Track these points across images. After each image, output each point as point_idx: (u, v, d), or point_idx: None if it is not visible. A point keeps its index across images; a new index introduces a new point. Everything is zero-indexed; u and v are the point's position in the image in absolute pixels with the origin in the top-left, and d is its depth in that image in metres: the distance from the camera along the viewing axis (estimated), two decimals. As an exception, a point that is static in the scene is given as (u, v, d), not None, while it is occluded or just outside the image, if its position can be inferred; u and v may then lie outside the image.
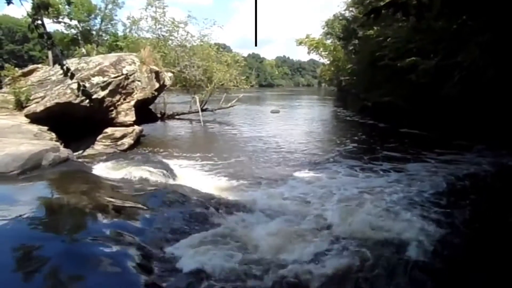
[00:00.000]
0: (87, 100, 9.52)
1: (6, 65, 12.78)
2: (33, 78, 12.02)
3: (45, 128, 9.10)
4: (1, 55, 59.42)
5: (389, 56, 18.02)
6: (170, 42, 20.48)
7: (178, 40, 20.55)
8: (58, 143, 8.65)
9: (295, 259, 4.25)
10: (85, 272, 3.55)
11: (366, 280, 3.88)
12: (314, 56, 55.78)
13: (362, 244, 4.66)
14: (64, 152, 8.18)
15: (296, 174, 9.01)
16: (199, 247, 4.29)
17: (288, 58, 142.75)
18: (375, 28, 20.64)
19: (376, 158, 10.51)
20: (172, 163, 9.43)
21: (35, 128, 8.95)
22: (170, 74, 15.51)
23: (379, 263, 4.19)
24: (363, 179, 8.44)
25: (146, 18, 20.33)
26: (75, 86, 9.61)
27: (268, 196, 7.08)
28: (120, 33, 30.86)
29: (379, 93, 20.43)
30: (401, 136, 14.26)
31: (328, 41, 45.30)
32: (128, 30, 25.02)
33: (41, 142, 8.24)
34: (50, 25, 30.63)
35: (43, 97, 10.12)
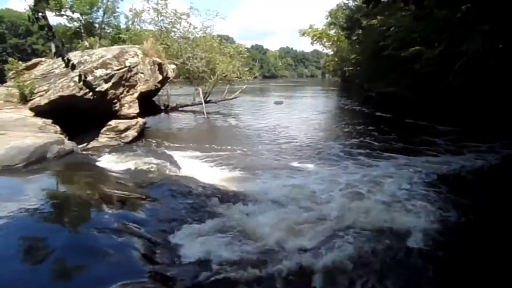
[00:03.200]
0: (91, 93, 9.62)
1: (10, 59, 12.80)
2: (37, 71, 12.05)
3: (50, 121, 9.15)
4: (4, 49, 59.46)
5: (392, 45, 17.88)
6: (172, 34, 20.43)
7: (180, 32, 20.50)
8: (62, 136, 8.71)
9: (298, 249, 4.28)
10: (90, 262, 3.60)
11: (369, 270, 3.90)
12: (318, 47, 55.70)
13: (365, 235, 4.67)
14: (69, 144, 8.24)
15: (300, 164, 9.04)
16: (202, 237, 4.33)
17: (292, 49, 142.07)
18: (378, 17, 20.48)
19: (380, 148, 10.47)
20: (176, 154, 9.47)
21: (39, 121, 9.00)
22: (173, 66, 15.50)
23: (383, 253, 4.21)
24: (367, 169, 8.42)
25: (148, 10, 20.24)
26: (77, 79, 9.64)
27: (272, 186, 7.08)
28: (122, 26, 30.77)
29: (383, 83, 20.34)
30: (406, 127, 14.23)
31: (332, 32, 45.06)
32: (130, 22, 24.88)
33: (46, 135, 8.29)
34: (53, 18, 30.58)
35: (47, 90, 10.16)
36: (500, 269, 4.03)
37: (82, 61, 11.03)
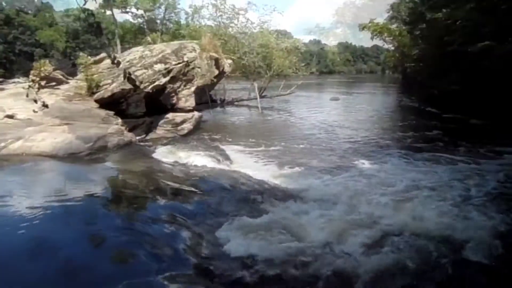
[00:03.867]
0: (150, 87, 10.05)
1: (81, 53, 13.69)
2: (103, 65, 12.78)
3: (112, 112, 9.68)
4: (77, 44, 63.82)
5: (458, 40, 16.70)
6: (230, 29, 20.70)
7: (238, 27, 20.72)
8: (123, 128, 9.17)
9: (344, 251, 4.16)
10: (141, 251, 3.75)
11: (416, 281, 3.69)
12: (378, 42, 53.40)
13: (415, 241, 4.43)
14: (128, 136, 8.68)
15: (353, 163, 8.76)
16: (248, 233, 4.35)
17: (351, 44, 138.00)
18: (444, 10, 19.22)
19: (440, 150, 9.82)
20: (229, 148, 9.61)
21: (103, 112, 9.55)
22: (229, 61, 15.71)
23: (432, 261, 3.97)
24: (423, 172, 7.93)
25: (207, 6, 20.70)
26: (138, 73, 10.07)
27: (322, 185, 6.94)
28: (182, 22, 31.79)
29: (447, 80, 19.13)
30: (470, 128, 13.23)
31: (393, 26, 43.09)
32: (190, 18, 25.66)
33: (108, 126, 8.79)
34: (119, 15, 32.30)
35: (110, 84, 10.74)
36: None
37: (143, 55, 11.51)
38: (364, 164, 8.74)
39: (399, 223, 4.96)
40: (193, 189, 5.93)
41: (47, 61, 13.06)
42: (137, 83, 9.56)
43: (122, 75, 10.59)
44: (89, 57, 13.49)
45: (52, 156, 6.97)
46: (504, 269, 4.05)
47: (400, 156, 9.43)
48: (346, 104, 23.74)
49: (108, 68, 12.19)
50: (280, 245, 4.16)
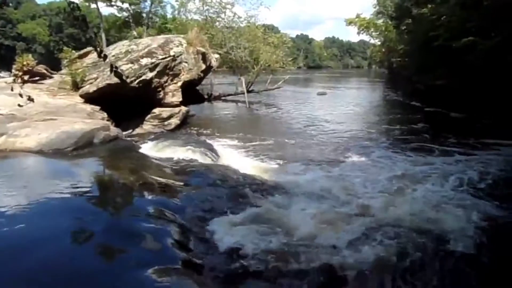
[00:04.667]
0: (136, 81, 9.94)
1: (65, 48, 13.44)
2: (88, 60, 12.59)
3: (97, 107, 9.57)
4: (61, 38, 62.64)
5: (444, 36, 16.92)
6: (217, 23, 20.62)
7: (225, 21, 20.66)
8: (108, 122, 9.08)
9: (333, 244, 4.19)
10: (128, 246, 3.72)
11: (404, 272, 3.74)
12: (365, 37, 53.85)
13: (404, 233, 4.48)
14: (114, 131, 8.59)
15: (341, 157, 8.85)
16: (237, 227, 4.36)
17: (337, 39, 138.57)
18: (429, 6, 19.45)
19: (426, 145, 9.98)
20: (216, 143, 9.60)
21: (88, 107, 9.43)
22: (216, 56, 15.64)
23: (420, 253, 4.02)
24: (411, 165, 8.06)
25: (194, 0, 20.53)
26: (124, 68, 9.95)
27: (311, 179, 6.99)
28: (169, 15, 31.50)
29: (432, 75, 19.40)
30: (455, 122, 13.46)
31: (380, 21, 43.47)
32: (176, 12, 25.40)
33: (93, 121, 8.68)
34: (104, 9, 31.80)
35: (96, 78, 10.60)
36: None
37: (129, 50, 11.39)
38: (353, 157, 8.84)
39: (387, 216, 5.03)
40: (180, 183, 5.91)
41: (30, 55, 12.82)
42: (124, 77, 9.45)
43: (107, 70, 10.45)
44: (73, 51, 13.29)
45: (37, 152, 6.86)
46: (487, 259, 4.15)
47: (387, 149, 9.61)
48: (333, 99, 23.89)
49: (93, 62, 12.04)
50: (269, 238, 4.17)
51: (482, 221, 5.00)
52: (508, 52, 12.66)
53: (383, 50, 47.93)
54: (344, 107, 19.38)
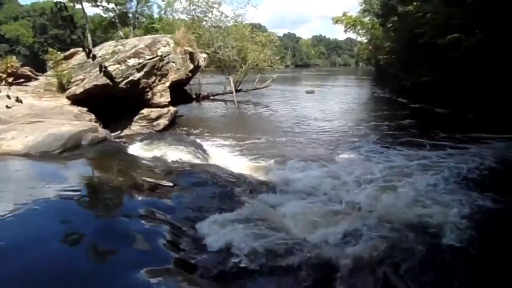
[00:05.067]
0: (124, 82, 9.86)
1: (50, 49, 13.26)
2: (74, 61, 12.47)
3: (85, 109, 9.48)
4: (46, 39, 61.73)
5: (429, 33, 17.16)
6: (204, 23, 20.56)
7: (212, 21, 20.61)
8: (96, 124, 9.00)
9: (323, 240, 4.24)
10: (119, 247, 3.70)
11: (395, 266, 3.80)
12: (351, 35, 54.20)
13: (393, 228, 4.55)
14: (102, 132, 8.51)
15: (330, 154, 8.95)
16: (228, 226, 4.36)
17: (325, 37, 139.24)
18: (414, 3, 19.70)
19: (414, 140, 10.14)
20: (206, 143, 9.59)
21: (75, 109, 9.34)
22: (204, 55, 15.62)
23: (410, 247, 4.09)
24: (399, 161, 8.20)
25: (181, 0, 20.43)
26: (111, 68, 9.87)
27: (301, 177, 7.04)
28: (155, 15, 31.26)
29: (418, 72, 19.65)
30: (442, 118, 13.69)
31: (366, 19, 43.78)
32: (163, 12, 25.25)
33: (81, 123, 8.60)
34: (89, 9, 31.43)
35: (82, 80, 10.50)
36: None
37: (116, 50, 11.31)
38: (342, 153, 8.95)
39: (378, 211, 5.10)
40: (171, 184, 5.89)
41: (13, 57, 12.63)
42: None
43: (94, 71, 10.36)
44: (58, 52, 13.14)
45: (24, 155, 6.76)
46: (475, 251, 4.23)
47: (376, 144, 9.78)
48: (322, 97, 24.03)
49: (79, 64, 11.93)
50: (260, 236, 4.18)
51: (472, 214, 5.12)
52: (491, 49, 12.88)
53: (370, 47, 48.37)
54: (332, 105, 19.53)
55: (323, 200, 5.69)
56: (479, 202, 5.53)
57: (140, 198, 5.15)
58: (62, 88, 10.86)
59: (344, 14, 44.76)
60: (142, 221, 4.29)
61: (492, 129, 10.62)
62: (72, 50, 13.67)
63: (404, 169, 7.41)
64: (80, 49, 14.17)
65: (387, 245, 4.12)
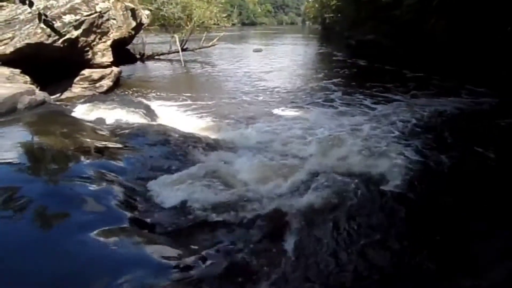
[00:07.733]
0: (60, 40, 9.17)
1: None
2: (-1, 17, 11.31)
3: (18, 70, 8.75)
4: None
5: (373, -9, 17.48)
6: (146, -24, 19.29)
7: (154, -25, 19.37)
8: (33, 86, 8.36)
9: (276, 193, 4.41)
10: (70, 210, 3.60)
11: (343, 212, 4.05)
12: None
13: (341, 179, 4.76)
14: (40, 95, 7.96)
15: (278, 112, 9.11)
16: (181, 183, 4.37)
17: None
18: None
19: (358, 96, 10.57)
20: (153, 104, 9.33)
21: (6, 71, 8.60)
22: (147, 12, 14.77)
23: (357, 196, 4.34)
24: (344, 116, 8.57)
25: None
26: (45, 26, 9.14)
27: (250, 134, 7.16)
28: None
29: (363, 30, 20.09)
30: (384, 75, 14.27)
31: (312, -25, 43.39)
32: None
33: (15, 85, 7.95)
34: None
35: (12, 38, 9.59)
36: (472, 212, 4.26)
37: (48, 5, 10.35)
38: (288, 112, 9.13)
39: (325, 165, 5.34)
40: (119, 145, 5.75)
41: None
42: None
43: (25, 29, 9.51)
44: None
45: (-47, 123, 6.21)
46: (414, 195, 4.64)
47: (322, 102, 10.07)
48: (269, 55, 23.95)
49: (6, 20, 10.83)
50: (213, 193, 4.26)
51: (414, 163, 5.56)
52: (431, 8, 13.39)
53: (316, 6, 48.38)
54: (280, 63, 19.57)
55: (272, 155, 5.84)
56: (424, 151, 6.11)
57: (88, 161, 4.97)
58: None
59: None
60: (92, 184, 4.18)
61: (427, 84, 11.33)
62: (-6, 5, 12.34)
63: (349, 123, 7.80)
64: (5, 3, 12.86)
65: (336, 194, 4.37)
